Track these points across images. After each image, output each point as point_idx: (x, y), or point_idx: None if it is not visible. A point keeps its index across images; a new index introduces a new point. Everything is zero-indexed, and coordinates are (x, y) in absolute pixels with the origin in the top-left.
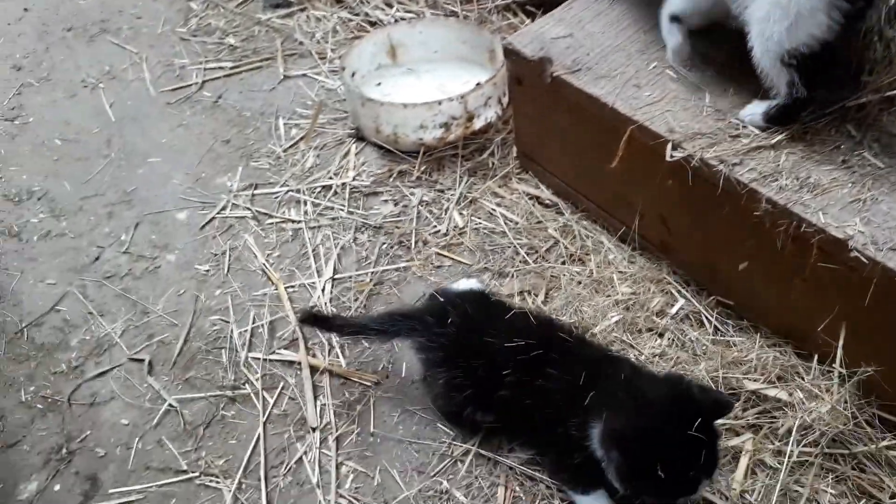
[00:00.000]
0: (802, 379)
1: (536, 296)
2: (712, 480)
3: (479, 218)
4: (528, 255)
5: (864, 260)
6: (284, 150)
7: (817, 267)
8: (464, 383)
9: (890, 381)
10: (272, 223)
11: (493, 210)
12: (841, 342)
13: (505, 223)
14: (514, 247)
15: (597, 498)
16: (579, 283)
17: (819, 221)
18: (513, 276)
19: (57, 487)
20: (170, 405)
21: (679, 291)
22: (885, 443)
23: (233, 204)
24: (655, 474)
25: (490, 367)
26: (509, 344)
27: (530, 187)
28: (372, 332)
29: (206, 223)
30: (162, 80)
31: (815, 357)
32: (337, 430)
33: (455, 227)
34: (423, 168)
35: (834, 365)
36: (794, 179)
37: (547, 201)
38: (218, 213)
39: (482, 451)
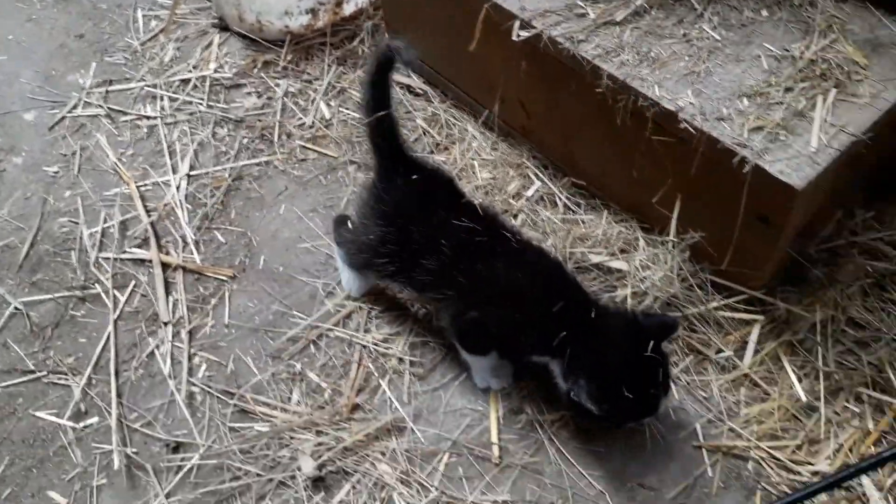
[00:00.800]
0: (644, 248)
1: None
2: (668, 398)
3: (348, 109)
4: None
5: (693, 130)
6: (142, 44)
7: (652, 140)
8: (396, 240)
9: (716, 247)
10: (126, 121)
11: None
12: (676, 213)
13: None
14: None
15: (489, 359)
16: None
17: (654, 95)
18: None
19: None
20: (15, 308)
21: (537, 175)
22: (713, 304)
23: (85, 102)
24: (623, 396)
25: (428, 236)
26: (456, 221)
27: (401, 76)
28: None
29: (56, 123)
30: None
31: (657, 229)
32: (190, 324)
33: (322, 118)
34: (289, 58)
35: (668, 234)
36: (636, 54)
37: (417, 90)
38: (69, 112)
39: (339, 333)
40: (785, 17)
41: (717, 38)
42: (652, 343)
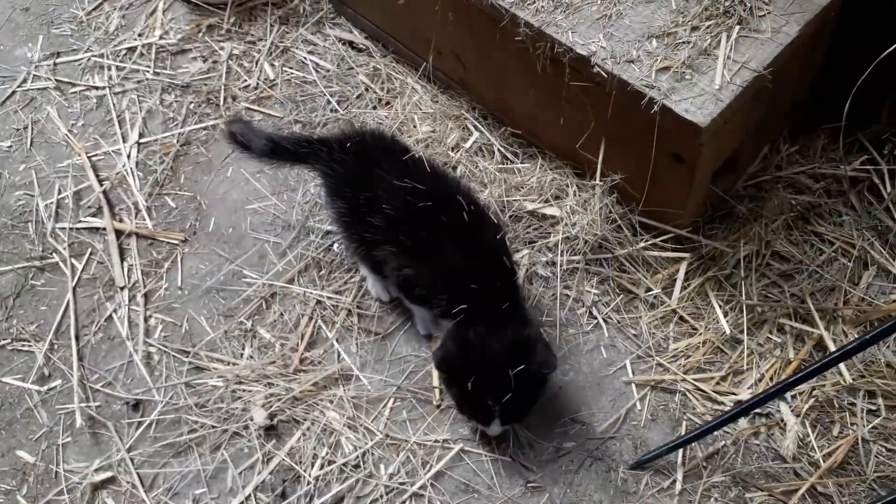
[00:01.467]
0: (575, 194)
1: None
2: (507, 424)
3: (291, 68)
4: (339, 103)
5: (605, 74)
6: (87, 14)
7: (572, 86)
8: (351, 212)
9: (635, 187)
10: (76, 92)
11: (305, 59)
12: (601, 156)
13: (316, 71)
14: (326, 95)
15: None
16: (387, 127)
17: (568, 41)
18: (323, 124)
19: None
20: None
21: (476, 126)
22: (641, 244)
23: (34, 76)
24: (465, 385)
25: (374, 201)
26: (399, 182)
27: (343, 32)
28: (285, 153)
29: (7, 98)
30: None
31: (588, 174)
32: (145, 287)
33: (266, 79)
34: (232, 20)
35: (595, 179)
36: (551, 1)
37: (360, 45)
38: (18, 87)
39: (296, 288)
40: None
41: None
42: (522, 367)
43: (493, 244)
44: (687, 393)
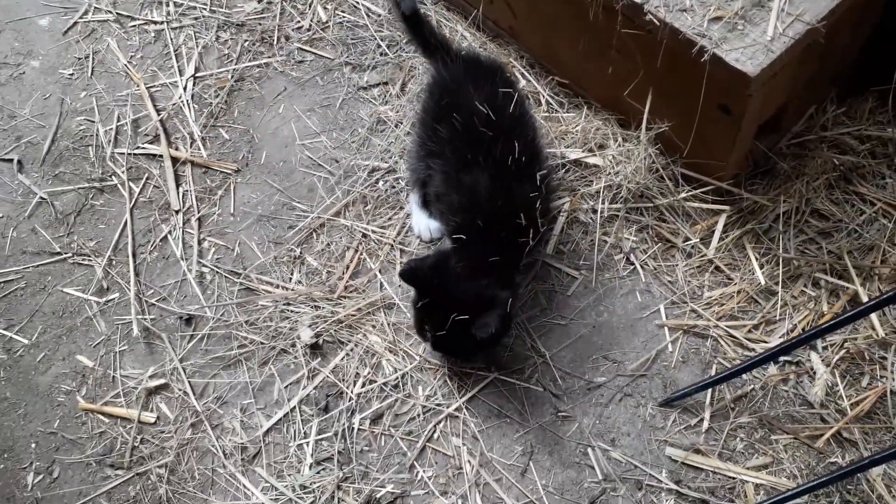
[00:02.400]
0: (619, 144)
1: (393, 86)
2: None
3: (343, 12)
4: (388, 47)
5: (657, 21)
6: None
7: (623, 34)
8: (429, 114)
9: (681, 137)
10: (135, 25)
11: (357, 2)
12: (647, 106)
13: (367, 16)
14: (376, 39)
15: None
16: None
17: None
18: (372, 67)
19: None
20: (41, 197)
21: (522, 74)
22: (682, 195)
23: (95, 7)
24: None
25: (449, 110)
26: (477, 103)
27: None
28: (421, 28)
29: (69, 28)
30: None
31: (633, 125)
32: (199, 212)
33: (318, 21)
34: None
35: (640, 128)
36: None
37: None
38: (80, 18)
39: (342, 221)
40: None
41: None
42: (464, 318)
43: (524, 202)
44: (719, 339)
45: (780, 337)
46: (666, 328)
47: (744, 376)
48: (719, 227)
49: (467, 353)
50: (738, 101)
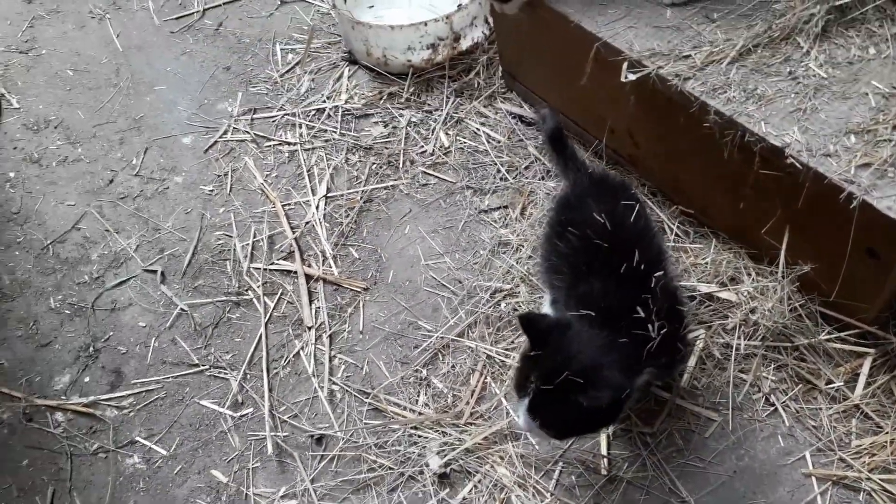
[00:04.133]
0: (752, 279)
1: (514, 210)
2: (533, 419)
3: (464, 137)
4: (508, 172)
5: (799, 166)
6: (281, 76)
7: (760, 174)
8: (554, 228)
9: (824, 278)
10: (270, 146)
11: (478, 129)
12: (784, 244)
13: (488, 142)
14: (496, 164)
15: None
16: (554, 198)
17: (761, 131)
18: (493, 191)
19: (87, 379)
20: (181, 309)
21: (646, 202)
22: (823, 336)
23: (233, 128)
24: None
25: (568, 224)
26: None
27: (514, 106)
28: (562, 146)
29: (210, 147)
30: (165, 9)
31: (766, 259)
32: (330, 329)
33: (441, 146)
34: (411, 90)
35: (777, 265)
36: (742, 91)
37: (529, 119)
38: (220, 137)
39: (466, 342)
40: (892, 55)
41: (824, 75)
42: (571, 379)
43: (638, 300)
44: (872, 493)
45: None
46: (813, 478)
47: None
48: (865, 369)
49: (565, 424)
50: (890, 246)
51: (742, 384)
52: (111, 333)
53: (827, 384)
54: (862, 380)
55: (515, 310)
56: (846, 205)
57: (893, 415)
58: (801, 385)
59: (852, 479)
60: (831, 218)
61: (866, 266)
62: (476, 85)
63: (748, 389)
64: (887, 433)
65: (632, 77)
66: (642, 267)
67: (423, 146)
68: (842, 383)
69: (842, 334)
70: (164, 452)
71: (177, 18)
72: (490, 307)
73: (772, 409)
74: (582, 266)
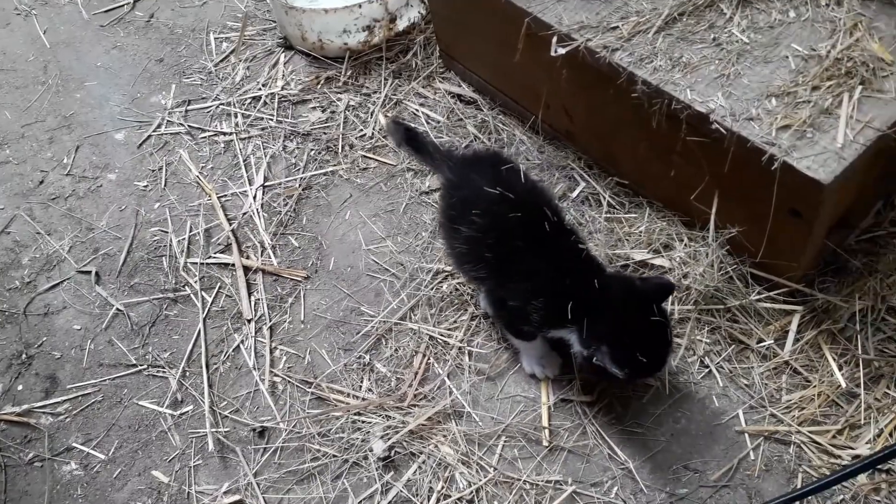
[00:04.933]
0: (685, 244)
1: None
2: (674, 354)
3: (404, 119)
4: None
5: (723, 131)
6: (215, 65)
7: (687, 141)
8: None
9: (752, 240)
10: (205, 137)
11: (417, 110)
12: (714, 209)
13: (427, 122)
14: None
15: (536, 346)
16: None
17: (686, 98)
18: (433, 172)
19: (20, 387)
20: (117, 309)
21: (581, 176)
22: (754, 296)
23: (167, 121)
24: (638, 358)
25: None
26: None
27: (452, 86)
28: (428, 156)
29: (143, 141)
30: (94, 2)
31: (698, 225)
32: (270, 321)
33: (380, 129)
34: (349, 73)
35: (707, 230)
36: (668, 60)
37: (468, 98)
38: (154, 131)
39: (409, 325)
40: (811, 17)
41: (746, 40)
42: (655, 306)
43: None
44: (802, 445)
45: (866, 443)
46: (746, 434)
47: (833, 486)
48: (793, 327)
49: None
50: (810, 206)
51: (677, 348)
52: (45, 339)
53: (758, 343)
54: (791, 336)
55: (457, 289)
56: (768, 167)
57: (820, 369)
58: (733, 346)
59: (783, 433)
60: (756, 180)
61: (791, 226)
62: (414, 66)
63: (683, 353)
64: (815, 386)
65: (561, 51)
66: (555, 220)
67: (362, 130)
68: (772, 341)
69: (771, 293)
70: (102, 457)
71: (106, 11)
72: (432, 289)
73: (706, 370)
74: (495, 236)
